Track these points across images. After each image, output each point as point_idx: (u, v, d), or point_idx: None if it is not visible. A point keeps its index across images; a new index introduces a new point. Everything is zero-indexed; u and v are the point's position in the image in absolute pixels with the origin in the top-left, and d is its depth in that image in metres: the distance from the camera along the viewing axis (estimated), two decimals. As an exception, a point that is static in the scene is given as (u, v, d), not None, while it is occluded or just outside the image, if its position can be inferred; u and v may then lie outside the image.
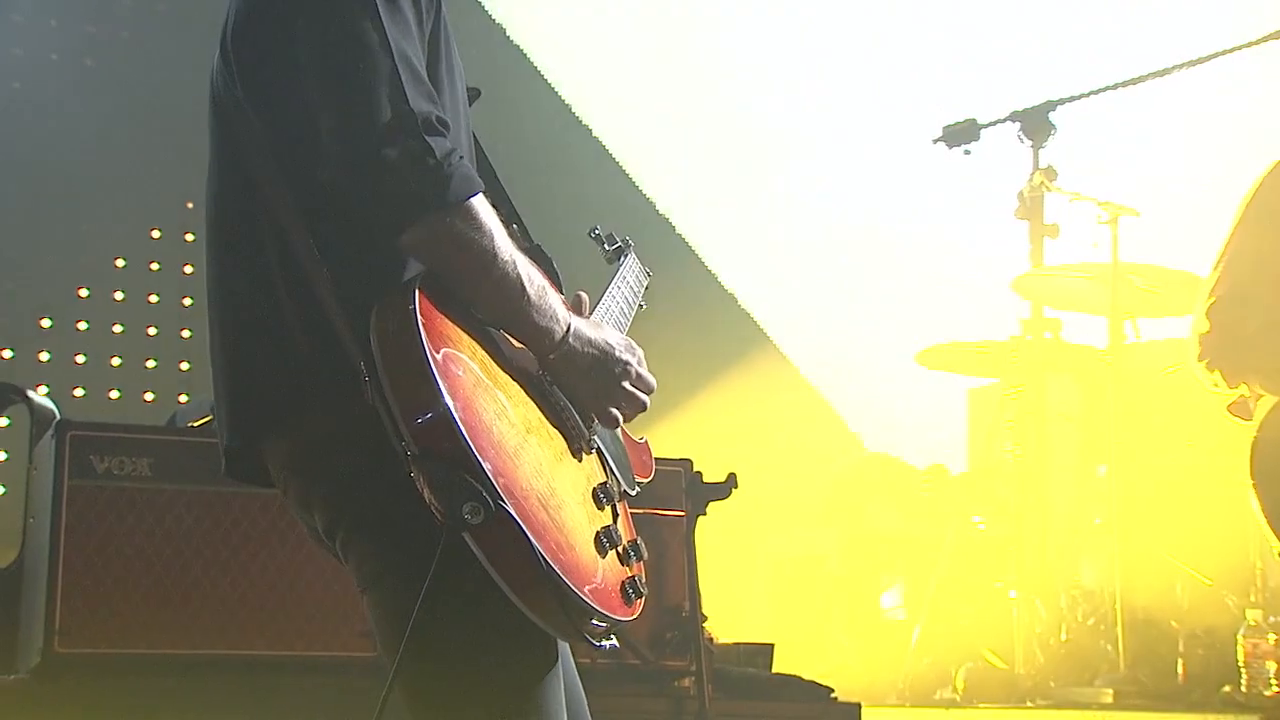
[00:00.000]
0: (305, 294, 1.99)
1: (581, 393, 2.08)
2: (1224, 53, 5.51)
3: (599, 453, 2.14)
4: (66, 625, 3.77)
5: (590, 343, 2.07)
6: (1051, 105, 6.04)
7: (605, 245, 2.65)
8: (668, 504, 4.44)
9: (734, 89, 8.86)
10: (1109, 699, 5.18)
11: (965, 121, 6.13)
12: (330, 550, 2.05)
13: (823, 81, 8.74)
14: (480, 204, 1.94)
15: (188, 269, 7.55)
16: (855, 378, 8.97)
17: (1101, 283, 5.86)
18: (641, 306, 2.54)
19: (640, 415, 2.17)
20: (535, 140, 8.31)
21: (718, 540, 4.93)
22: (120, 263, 7.55)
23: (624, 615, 1.97)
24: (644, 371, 2.15)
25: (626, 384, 2.11)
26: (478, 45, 8.07)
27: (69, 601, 3.78)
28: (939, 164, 6.53)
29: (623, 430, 2.24)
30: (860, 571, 6.97)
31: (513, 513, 1.78)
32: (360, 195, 1.89)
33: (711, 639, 4.66)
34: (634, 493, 2.22)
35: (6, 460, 4.34)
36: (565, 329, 2.04)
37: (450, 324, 1.91)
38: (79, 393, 7.25)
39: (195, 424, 4.33)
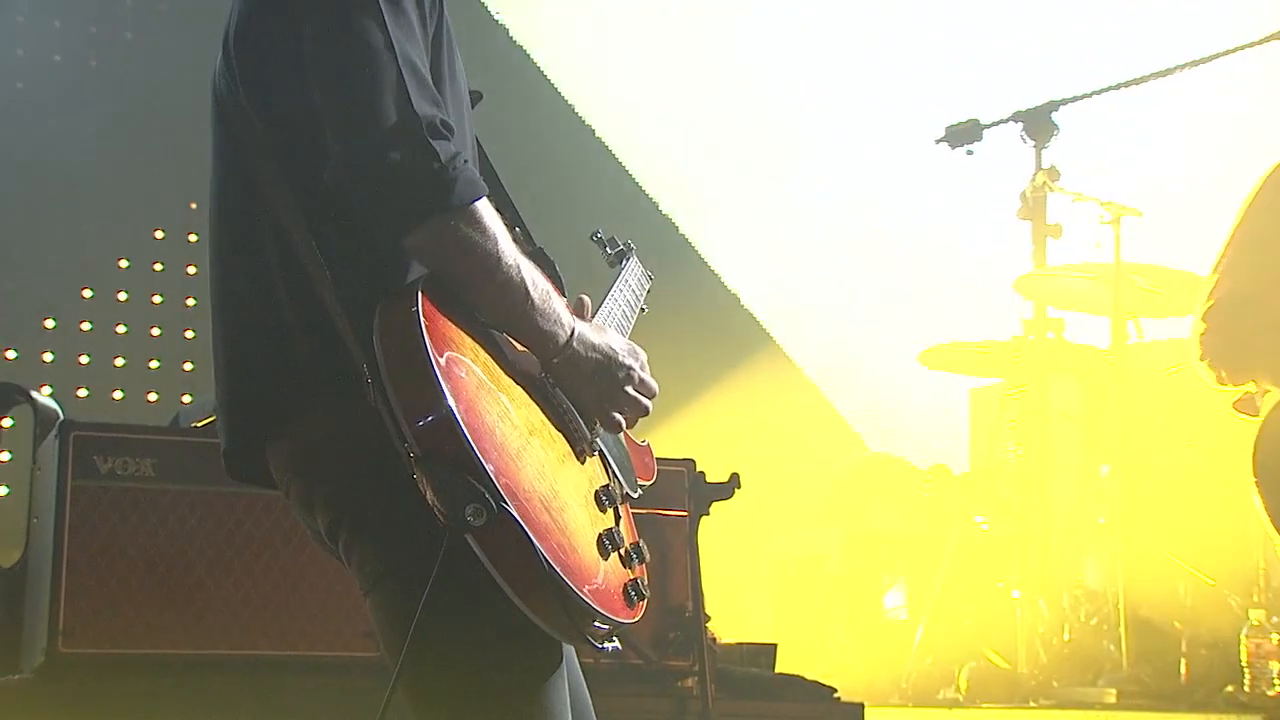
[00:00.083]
0: (307, 295, 1.99)
1: (584, 396, 2.08)
2: (1226, 53, 5.51)
3: (601, 455, 2.14)
4: (70, 625, 3.77)
5: (594, 347, 2.08)
6: (1054, 105, 6.04)
7: (607, 248, 2.65)
8: (671, 504, 4.44)
9: (737, 89, 8.86)
10: (1112, 699, 5.18)
11: (968, 122, 6.12)
12: (333, 552, 2.05)
13: (825, 82, 8.74)
14: (484, 208, 1.94)
15: (191, 269, 7.56)
16: (858, 378, 8.97)
17: (1104, 283, 5.86)
18: (643, 310, 2.54)
19: (642, 418, 2.17)
20: (538, 142, 8.32)
21: (721, 540, 4.93)
22: (124, 263, 7.56)
23: (626, 617, 1.97)
24: (646, 376, 2.15)
25: (629, 389, 2.11)
26: (481, 46, 8.08)
27: (73, 602, 3.79)
28: (941, 164, 6.53)
29: (625, 433, 2.25)
30: (863, 571, 6.96)
31: (515, 514, 1.79)
32: (364, 198, 1.89)
33: (714, 639, 4.67)
34: (636, 495, 2.22)
35: (10, 461, 4.34)
36: (569, 333, 2.04)
37: (453, 326, 1.92)
38: (82, 393, 7.26)
39: (198, 424, 4.33)
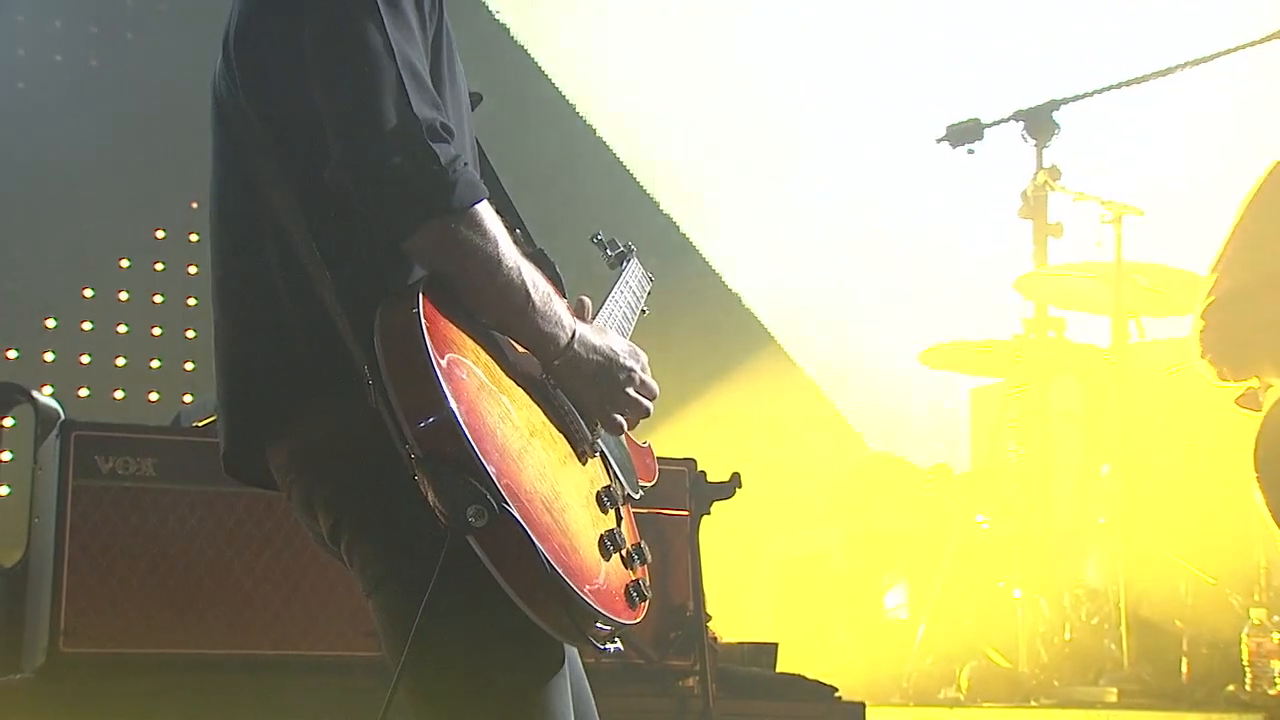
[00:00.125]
0: (307, 296, 1.99)
1: (585, 398, 2.08)
2: (1227, 52, 5.50)
3: (602, 456, 2.15)
4: (72, 625, 3.78)
5: (595, 349, 2.08)
6: (1055, 104, 6.04)
7: (608, 250, 2.65)
8: (672, 504, 4.44)
9: (737, 89, 8.85)
10: (1113, 698, 5.18)
11: (969, 121, 6.12)
12: (335, 554, 2.05)
13: (826, 81, 8.73)
14: (485, 210, 1.95)
15: (192, 269, 7.56)
16: (859, 377, 8.97)
17: (1105, 282, 5.86)
18: (644, 312, 2.54)
19: (643, 420, 2.18)
20: (539, 142, 8.32)
21: (722, 540, 4.93)
22: (125, 263, 7.56)
23: (628, 618, 1.97)
24: (647, 378, 2.15)
25: (630, 390, 2.11)
26: (482, 47, 8.08)
27: (74, 601, 3.79)
28: (942, 163, 6.53)
29: (626, 434, 2.25)
30: (864, 571, 6.96)
31: (516, 515, 1.79)
32: (364, 201, 1.89)
33: (715, 638, 4.67)
34: (637, 496, 2.23)
35: (12, 460, 4.34)
36: (570, 335, 2.04)
37: (454, 328, 1.92)
38: (84, 393, 7.26)
39: (200, 424, 4.33)
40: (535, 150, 8.18)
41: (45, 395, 4.34)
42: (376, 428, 1.86)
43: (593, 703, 2.22)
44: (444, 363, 1.83)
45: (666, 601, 4.40)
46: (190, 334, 7.52)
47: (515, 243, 2.01)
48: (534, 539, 1.80)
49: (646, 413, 2.15)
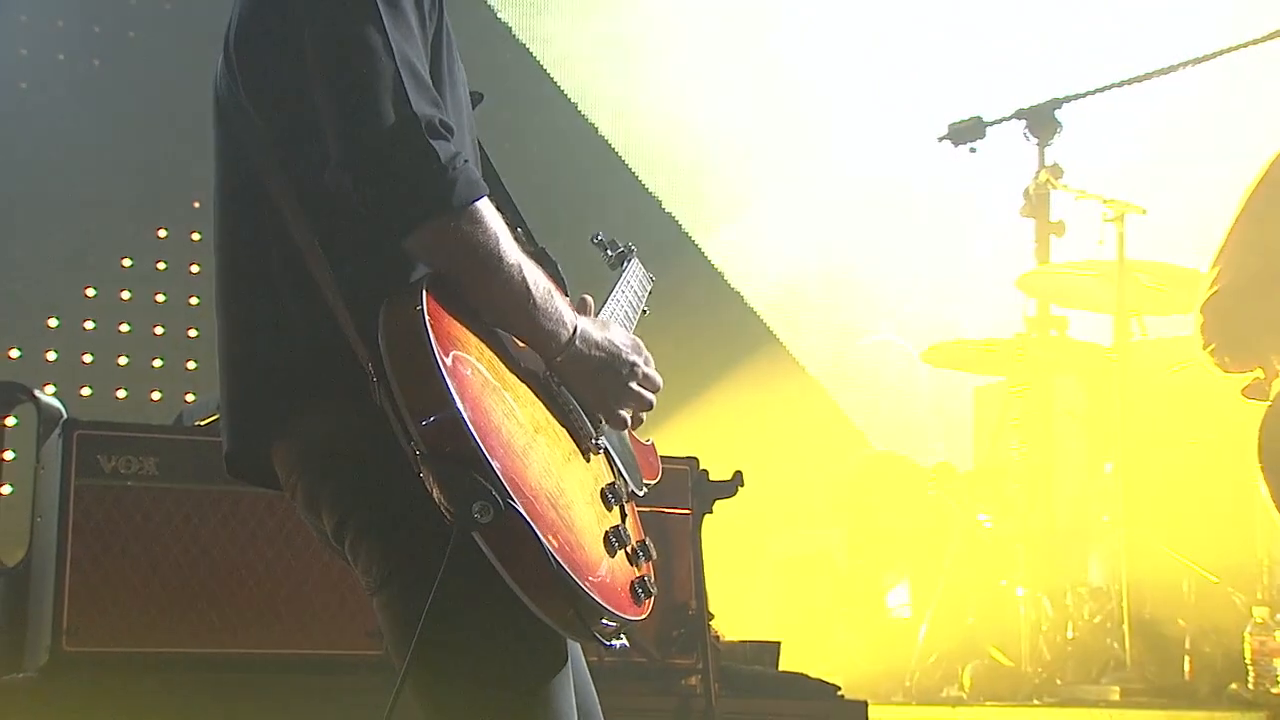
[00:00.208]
0: (310, 295, 1.99)
1: (589, 394, 2.08)
2: (1229, 50, 5.50)
3: (606, 453, 2.15)
4: (74, 624, 3.77)
5: (597, 345, 2.08)
6: (1057, 103, 6.04)
7: (608, 251, 2.65)
8: (674, 502, 4.44)
9: (738, 89, 8.85)
10: (1116, 696, 5.18)
11: (970, 119, 6.12)
12: (338, 552, 2.05)
13: (828, 81, 8.73)
14: (485, 207, 1.95)
15: (194, 268, 7.57)
16: (861, 376, 8.97)
17: (1107, 280, 5.86)
18: (645, 312, 2.54)
19: (647, 413, 2.18)
20: (540, 141, 8.32)
21: (724, 538, 4.93)
22: (127, 262, 7.56)
23: (634, 615, 1.97)
24: (650, 371, 2.15)
25: (633, 384, 2.11)
26: (483, 46, 8.08)
27: (76, 600, 3.79)
28: (944, 162, 6.53)
29: (630, 432, 2.25)
30: (866, 569, 6.97)
31: (522, 511, 1.79)
32: (365, 199, 1.89)
33: (718, 637, 4.67)
34: (641, 493, 2.23)
35: (14, 459, 4.34)
36: (571, 331, 2.04)
37: (458, 325, 1.92)
38: (86, 392, 7.27)
39: (202, 423, 4.33)
40: (536, 150, 8.19)
41: (48, 394, 4.34)
42: (381, 426, 1.86)
43: (596, 701, 2.22)
44: (448, 360, 1.83)
45: (669, 600, 4.39)
46: (192, 333, 7.52)
47: (516, 241, 2.01)
48: (539, 535, 1.80)
49: (650, 405, 2.15)
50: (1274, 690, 4.79)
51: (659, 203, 8.95)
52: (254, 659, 3.94)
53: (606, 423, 2.12)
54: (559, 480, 1.94)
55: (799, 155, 8.75)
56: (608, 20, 8.75)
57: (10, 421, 4.31)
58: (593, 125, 8.88)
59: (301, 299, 2.00)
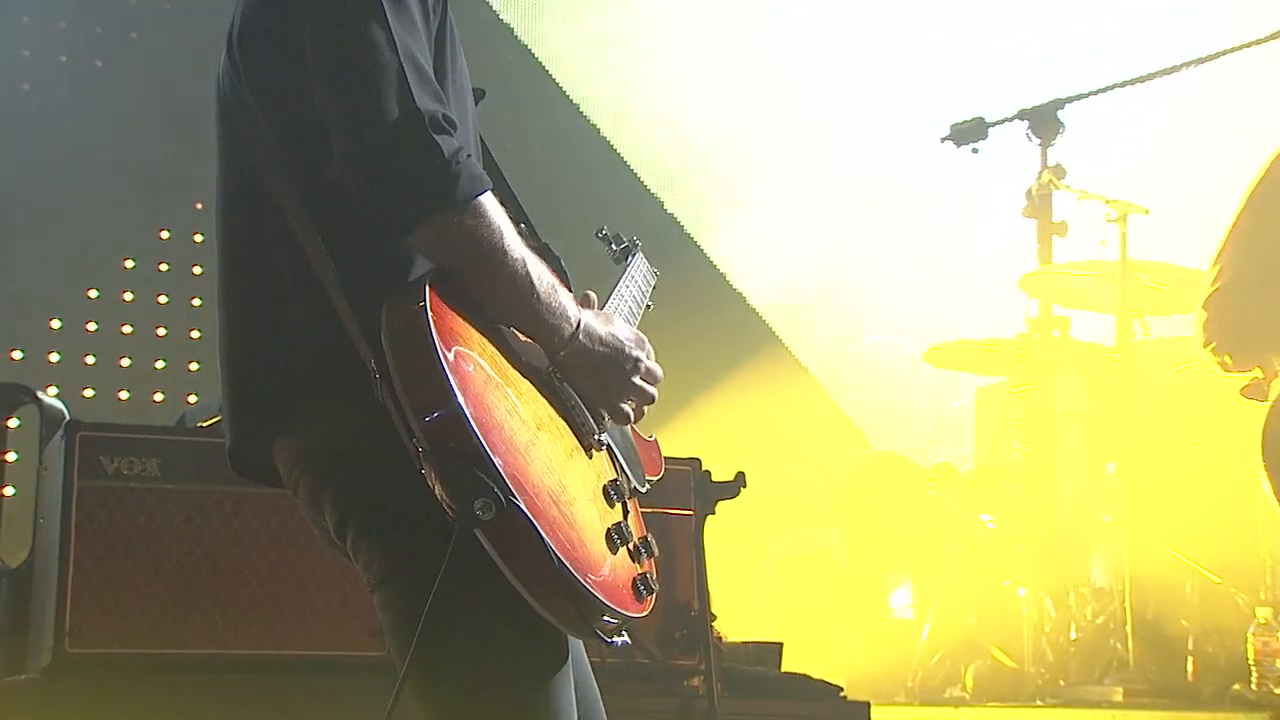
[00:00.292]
0: (313, 291, 1.99)
1: (592, 389, 2.08)
2: (1230, 50, 5.50)
3: (609, 450, 2.15)
4: (77, 625, 3.78)
5: (600, 339, 2.08)
6: (1060, 103, 6.03)
7: (612, 245, 2.65)
8: (676, 503, 4.44)
9: (740, 89, 8.86)
10: (1119, 697, 5.18)
11: (973, 120, 6.12)
12: (340, 550, 2.05)
13: (829, 81, 8.74)
14: (489, 202, 1.95)
15: (196, 270, 7.57)
16: (863, 377, 8.97)
17: (1110, 281, 5.86)
18: (649, 306, 2.54)
19: (649, 413, 2.18)
20: (542, 141, 8.33)
21: (726, 539, 4.93)
22: (129, 263, 7.57)
23: (635, 612, 1.97)
24: (652, 364, 2.15)
25: (636, 379, 2.12)
26: (485, 45, 8.09)
27: (79, 602, 3.79)
28: (946, 162, 6.53)
29: (633, 429, 2.25)
30: (869, 570, 6.96)
31: (524, 508, 1.79)
32: (368, 194, 1.89)
33: (720, 638, 4.67)
34: (644, 490, 2.23)
35: (17, 461, 4.33)
36: (575, 326, 2.04)
37: (461, 321, 1.92)
38: (88, 393, 7.27)
39: (204, 424, 4.34)
40: (538, 150, 8.19)
41: (50, 396, 4.34)
42: (383, 422, 1.86)
43: (599, 700, 2.22)
44: (451, 356, 1.83)
45: (671, 601, 4.39)
46: (195, 334, 7.53)
47: (520, 236, 2.01)
48: (541, 532, 1.80)
49: (652, 399, 2.15)
50: (1277, 691, 4.79)
51: (661, 204, 8.96)
52: (256, 660, 3.94)
53: (609, 418, 2.12)
54: (561, 477, 1.94)
55: (801, 156, 8.76)
56: (609, 21, 8.75)
57: (13, 423, 4.31)
58: (594, 126, 8.89)
59: (303, 296, 2.00)
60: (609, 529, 2.01)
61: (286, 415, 2.03)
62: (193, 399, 7.17)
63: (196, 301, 7.55)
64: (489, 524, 1.77)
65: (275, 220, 2.04)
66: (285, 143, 2.03)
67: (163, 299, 7.59)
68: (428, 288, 1.88)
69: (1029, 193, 6.12)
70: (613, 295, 2.37)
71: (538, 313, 2.00)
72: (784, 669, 4.89)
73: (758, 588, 7.45)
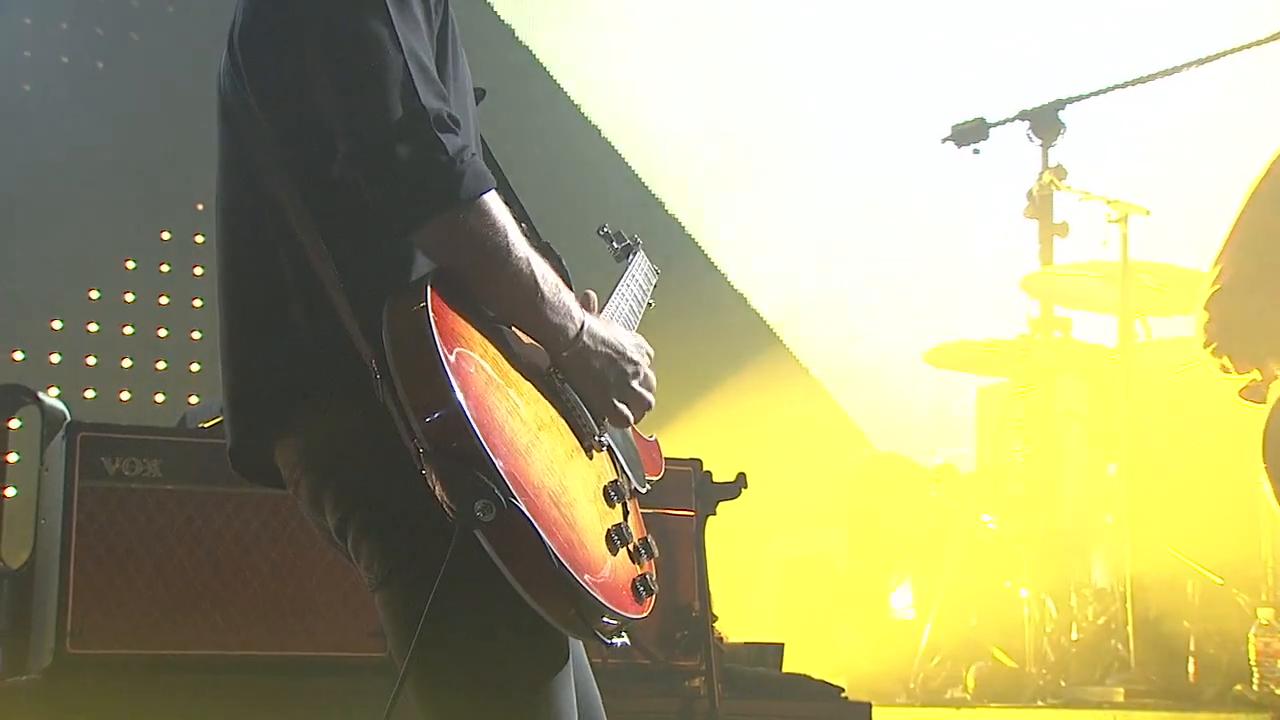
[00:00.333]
0: (314, 292, 1.99)
1: (592, 391, 2.08)
2: (1232, 51, 5.50)
3: (609, 450, 2.15)
4: (78, 626, 3.78)
5: (603, 341, 2.08)
6: (1061, 104, 6.03)
7: (613, 243, 2.66)
8: (677, 504, 4.44)
9: (741, 90, 8.86)
10: (1120, 698, 5.17)
11: (974, 120, 6.11)
12: (341, 550, 2.05)
13: (831, 82, 8.74)
14: (493, 201, 1.95)
15: (198, 270, 7.57)
16: (864, 377, 8.97)
17: (1111, 281, 5.86)
18: (650, 305, 2.54)
19: (649, 414, 2.18)
20: (543, 141, 8.32)
21: (727, 540, 4.93)
22: (130, 264, 7.57)
23: (635, 613, 1.97)
24: (650, 372, 2.15)
25: (635, 384, 2.12)
26: (486, 46, 8.08)
27: (80, 602, 3.79)
28: (947, 163, 6.52)
29: (633, 429, 2.25)
30: (870, 571, 6.96)
31: (524, 510, 1.79)
32: (373, 193, 1.89)
33: (721, 638, 4.67)
34: (645, 490, 2.23)
35: (18, 462, 4.34)
36: (579, 327, 2.04)
37: (462, 322, 1.92)
38: (90, 394, 7.28)
39: (206, 425, 4.34)
40: (540, 150, 8.19)
41: (51, 397, 4.34)
42: (383, 423, 1.86)
43: (599, 701, 2.22)
44: (452, 357, 1.83)
45: (672, 602, 4.39)
46: (196, 335, 7.53)
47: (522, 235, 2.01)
48: (541, 533, 1.80)
49: (649, 406, 2.15)
50: (1279, 691, 4.79)
51: (662, 204, 8.96)
52: (257, 660, 3.95)
53: (609, 420, 2.12)
54: (561, 478, 1.94)
55: (802, 156, 8.75)
56: (610, 22, 8.75)
57: (14, 424, 4.32)
58: (596, 126, 8.89)
59: (304, 296, 2.00)
60: (609, 530, 2.01)
61: (286, 415, 2.03)
62: (194, 400, 7.17)
63: (197, 302, 7.56)
64: (489, 525, 1.77)
65: (275, 220, 2.03)
66: (286, 143, 2.02)
67: (164, 300, 7.60)
68: (429, 288, 1.88)
69: (1030, 193, 6.12)
70: (614, 293, 2.38)
71: (542, 312, 2.00)
72: (785, 670, 4.89)
73: (759, 588, 7.45)
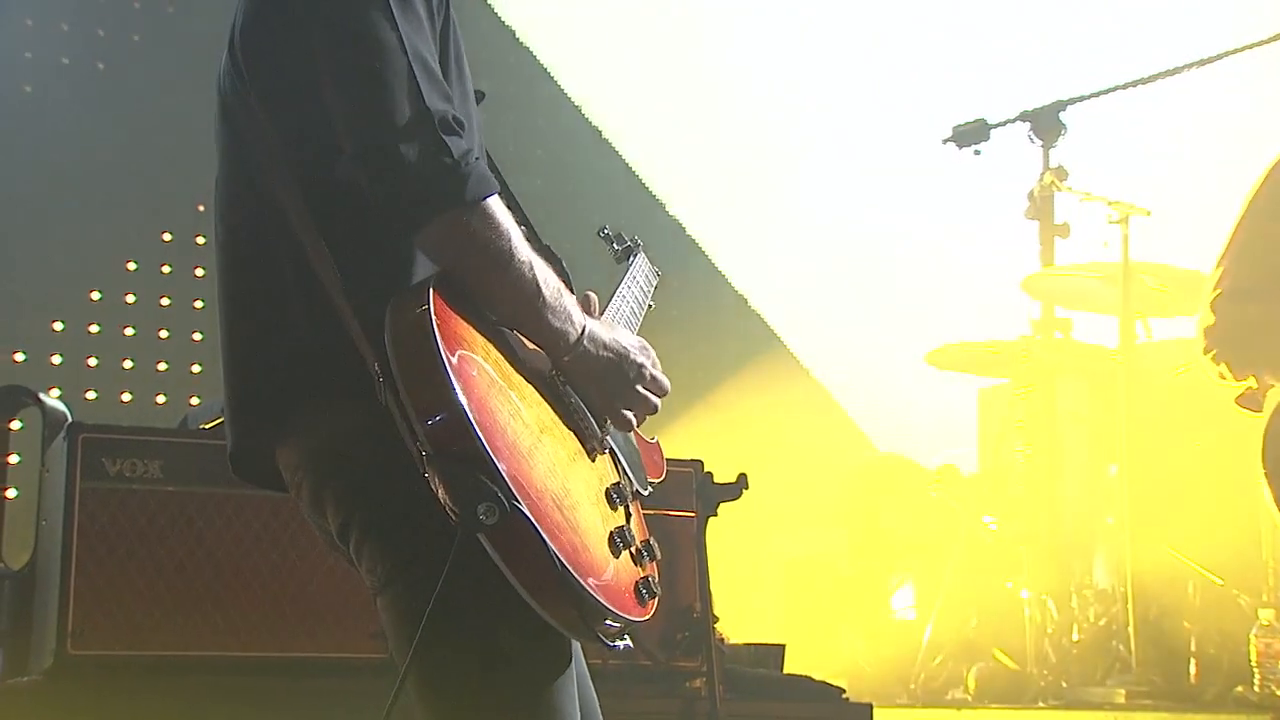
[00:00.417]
0: (315, 294, 1.98)
1: (595, 395, 2.08)
2: (1233, 52, 5.50)
3: (611, 453, 2.14)
4: (79, 627, 3.77)
5: (605, 345, 2.07)
6: (1062, 105, 6.04)
7: (614, 245, 2.66)
8: (679, 505, 4.44)
9: (743, 91, 8.86)
10: (1121, 699, 5.18)
11: (975, 122, 6.12)
12: (343, 553, 2.04)
13: (832, 83, 8.74)
14: (496, 204, 1.94)
15: (199, 271, 7.57)
16: (865, 378, 8.97)
17: (1112, 282, 5.86)
18: (651, 307, 2.54)
19: (651, 416, 2.17)
20: (545, 143, 8.33)
21: (729, 541, 4.93)
22: (131, 265, 7.56)
23: (638, 615, 1.97)
24: (658, 374, 2.15)
25: (639, 386, 2.11)
26: (488, 48, 8.08)
27: (81, 604, 3.79)
28: (949, 164, 6.53)
29: (635, 430, 2.24)
30: (871, 572, 6.96)
31: (527, 513, 1.78)
32: (376, 193, 1.89)
33: (723, 640, 4.66)
34: (646, 493, 2.22)
35: (19, 463, 4.34)
36: (580, 331, 2.04)
37: (465, 325, 1.91)
38: (91, 395, 7.27)
39: (206, 426, 4.34)
40: (541, 152, 8.19)
41: (52, 398, 4.34)
42: (385, 425, 1.86)
43: (596, 703, 2.22)
44: (455, 360, 1.83)
45: (673, 603, 4.39)
46: (197, 336, 7.52)
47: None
48: (544, 536, 1.79)
49: (655, 409, 2.15)
50: (1279, 692, 4.79)
51: (664, 206, 8.96)
52: (258, 661, 3.94)
53: (611, 424, 2.11)
54: (564, 481, 1.94)
55: (803, 158, 8.75)
56: (611, 23, 8.75)
57: (15, 425, 4.31)
58: (597, 128, 8.89)
59: (305, 298, 2.00)
60: (612, 533, 2.01)
61: (287, 416, 2.03)
62: (195, 401, 7.16)
63: (199, 304, 7.55)
64: (492, 528, 1.76)
65: (276, 221, 2.03)
66: (288, 143, 2.02)
67: (165, 301, 7.59)
68: (431, 290, 1.88)
69: (1031, 194, 6.13)
70: (615, 296, 2.37)
71: (543, 316, 2.00)
72: (786, 671, 4.89)
73: (760, 590, 7.45)
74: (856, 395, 9.09)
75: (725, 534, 4.63)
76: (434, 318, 1.84)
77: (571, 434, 2.03)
